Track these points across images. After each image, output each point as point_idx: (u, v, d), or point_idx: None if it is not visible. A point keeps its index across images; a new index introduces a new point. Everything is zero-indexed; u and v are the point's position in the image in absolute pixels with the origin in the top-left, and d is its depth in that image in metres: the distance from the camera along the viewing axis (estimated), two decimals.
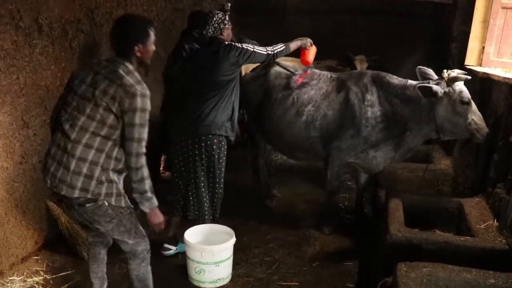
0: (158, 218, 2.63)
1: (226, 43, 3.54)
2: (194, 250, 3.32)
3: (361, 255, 3.85)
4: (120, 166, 2.55)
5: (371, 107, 3.85)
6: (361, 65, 6.34)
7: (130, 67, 2.53)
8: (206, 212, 3.67)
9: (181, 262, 3.63)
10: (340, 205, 4.95)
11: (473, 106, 3.58)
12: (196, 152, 3.54)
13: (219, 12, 3.61)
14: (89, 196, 2.47)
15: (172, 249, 3.79)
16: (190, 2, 6.00)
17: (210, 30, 3.58)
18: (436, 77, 3.71)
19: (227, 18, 3.62)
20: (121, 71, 2.48)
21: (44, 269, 3.51)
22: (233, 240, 3.40)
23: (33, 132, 3.48)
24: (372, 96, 3.87)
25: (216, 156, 3.56)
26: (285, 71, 4.36)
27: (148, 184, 2.51)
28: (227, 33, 3.63)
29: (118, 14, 4.30)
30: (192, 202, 3.68)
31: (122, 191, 2.61)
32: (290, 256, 3.86)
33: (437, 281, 2.56)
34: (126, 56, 2.55)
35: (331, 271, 3.65)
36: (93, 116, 2.45)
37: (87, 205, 2.50)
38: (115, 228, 2.62)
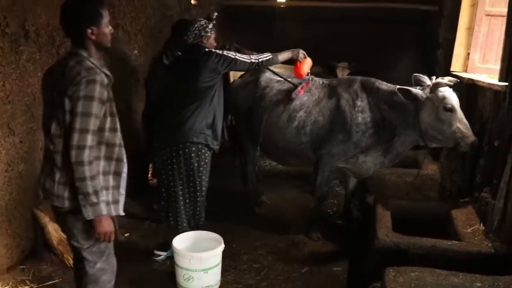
0: (104, 227, 2.31)
1: (206, 49, 3.50)
2: (183, 257, 3.30)
3: (350, 260, 3.86)
4: (109, 167, 2.37)
5: (362, 113, 3.88)
6: (342, 72, 6.40)
7: (84, 54, 2.30)
8: (185, 221, 3.65)
9: (169, 269, 3.61)
10: (329, 210, 4.96)
11: (459, 113, 3.53)
12: (174, 160, 3.51)
13: (201, 19, 3.58)
14: (73, 208, 2.32)
15: (163, 255, 3.78)
16: (178, 9, 6.02)
17: (191, 37, 3.53)
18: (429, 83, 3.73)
19: (210, 27, 3.57)
20: (72, 63, 2.26)
21: (30, 278, 3.46)
22: (221, 247, 3.38)
23: (19, 140, 3.45)
24: (362, 102, 3.90)
25: (196, 164, 3.51)
26: (276, 77, 4.38)
27: (92, 186, 2.22)
28: (210, 41, 3.58)
29: None
30: (171, 209, 3.66)
31: (112, 199, 2.40)
32: (279, 262, 3.85)
33: (425, 286, 2.57)
34: (80, 43, 2.32)
35: (320, 277, 3.65)
36: (59, 120, 2.27)
37: (70, 215, 2.37)
38: (90, 247, 2.44)
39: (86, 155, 2.19)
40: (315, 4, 7.17)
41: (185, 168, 3.52)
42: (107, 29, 2.36)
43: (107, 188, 2.35)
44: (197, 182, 3.57)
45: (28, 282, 3.40)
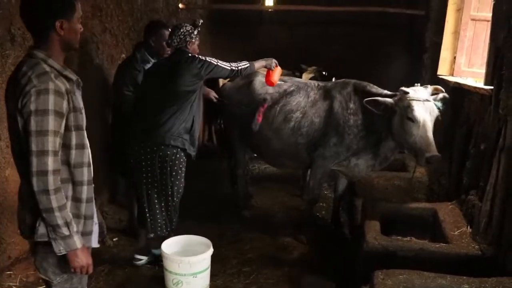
0: (80, 261, 1.98)
1: (190, 54, 3.53)
2: (172, 262, 3.29)
3: (339, 263, 3.87)
4: (79, 193, 2.02)
5: (353, 115, 3.93)
6: (307, 75, 6.41)
7: (41, 55, 1.91)
8: (159, 225, 3.62)
9: (158, 273, 3.59)
10: (317, 214, 4.97)
11: (423, 126, 3.39)
12: (149, 162, 3.48)
13: (187, 25, 3.61)
14: (46, 239, 1.96)
15: (143, 259, 3.76)
16: (166, 13, 6.01)
17: (175, 41, 3.56)
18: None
19: (195, 33, 3.61)
20: (25, 68, 1.89)
21: (17, 284, 3.42)
22: (210, 251, 3.38)
23: (6, 144, 3.41)
24: (354, 105, 3.95)
25: (169, 169, 3.48)
26: None
27: (61, 217, 1.88)
28: (193, 47, 3.62)
29: (93, 24, 4.29)
30: (147, 214, 3.62)
31: (86, 230, 2.07)
32: (268, 266, 3.85)
33: None
34: (42, 39, 1.94)
35: (309, 280, 3.65)
36: (18, 135, 1.91)
37: (40, 246, 2.03)
38: (61, 282, 2.09)
39: (51, 182, 1.84)
40: (303, 8, 7.19)
41: (159, 171, 3.49)
42: (78, 25, 2.00)
43: (78, 217, 2.01)
44: (169, 186, 3.53)
45: None
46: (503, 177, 2.99)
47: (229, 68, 3.59)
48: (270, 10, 8.01)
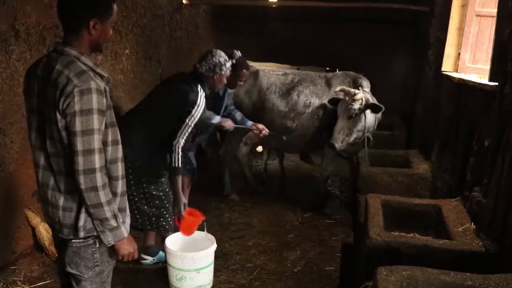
0: (127, 248, 2.06)
1: (199, 92, 3.30)
2: (175, 257, 3.30)
3: (342, 259, 3.87)
4: (115, 188, 2.04)
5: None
6: None
7: (73, 52, 1.89)
8: (164, 223, 3.54)
9: (161, 269, 3.60)
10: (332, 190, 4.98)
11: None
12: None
13: (223, 55, 3.44)
14: (94, 233, 2.01)
15: (149, 259, 3.74)
16: (170, 8, 6.00)
17: (203, 68, 3.39)
18: None
19: (228, 66, 3.45)
20: (59, 66, 1.86)
21: (21, 279, 3.44)
22: (214, 246, 3.38)
23: (10, 140, 3.43)
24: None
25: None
26: (273, 71, 4.92)
27: (110, 210, 1.93)
28: (220, 79, 3.46)
29: None
30: (136, 212, 3.46)
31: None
32: (271, 262, 3.86)
33: (417, 284, 2.58)
34: (73, 35, 1.91)
35: (312, 276, 3.66)
36: (54, 137, 1.91)
37: (74, 241, 2.02)
38: (92, 276, 2.09)
39: (99, 179, 1.87)
40: (307, 4, 7.16)
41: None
42: (110, 29, 1.99)
43: None
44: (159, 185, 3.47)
45: (19, 283, 3.39)
46: (507, 174, 2.98)
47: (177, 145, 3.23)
48: (274, 6, 7.99)
